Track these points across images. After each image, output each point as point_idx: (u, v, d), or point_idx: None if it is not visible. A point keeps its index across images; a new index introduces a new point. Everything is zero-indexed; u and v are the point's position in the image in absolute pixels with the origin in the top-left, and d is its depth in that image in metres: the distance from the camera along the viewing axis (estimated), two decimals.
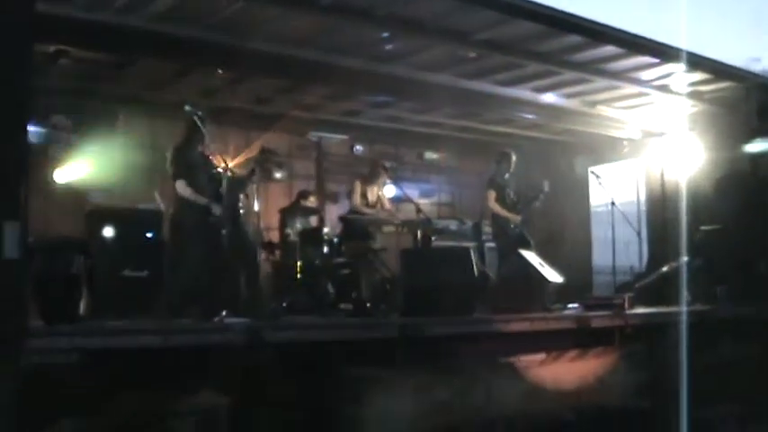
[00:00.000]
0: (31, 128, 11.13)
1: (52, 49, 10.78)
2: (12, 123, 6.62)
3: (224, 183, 9.63)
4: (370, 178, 12.57)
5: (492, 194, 12.82)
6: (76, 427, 6.56)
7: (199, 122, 9.41)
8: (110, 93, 13.00)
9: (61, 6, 9.40)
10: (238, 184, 10.07)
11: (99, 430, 6.66)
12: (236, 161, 12.10)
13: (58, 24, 9.49)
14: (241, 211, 10.09)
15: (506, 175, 13.01)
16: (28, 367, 6.26)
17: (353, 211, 12.43)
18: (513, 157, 13.03)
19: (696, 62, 12.17)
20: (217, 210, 9.29)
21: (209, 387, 7.29)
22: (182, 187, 9.36)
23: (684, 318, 10.13)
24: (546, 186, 13.04)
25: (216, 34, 10.49)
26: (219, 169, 9.69)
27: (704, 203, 13.86)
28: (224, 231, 9.46)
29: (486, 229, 13.97)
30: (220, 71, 12.12)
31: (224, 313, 8.72)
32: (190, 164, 9.41)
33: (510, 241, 12.56)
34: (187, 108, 9.57)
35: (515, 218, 12.75)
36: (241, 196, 10.17)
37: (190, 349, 7.19)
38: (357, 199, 12.38)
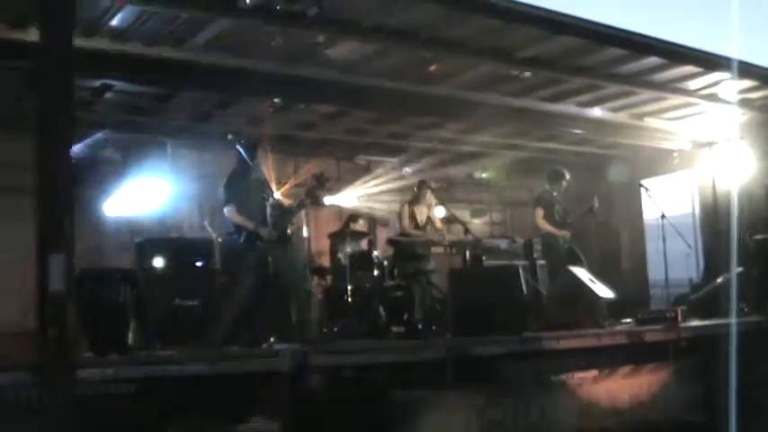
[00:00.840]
0: (79, 160, 11.37)
1: (98, 83, 10.92)
2: (57, 156, 6.70)
3: (274, 209, 9.61)
4: (416, 199, 12.54)
5: (540, 212, 12.73)
6: None
7: (242, 150, 9.42)
8: (157, 124, 13.12)
9: (104, 41, 9.52)
10: (288, 210, 10.10)
11: None
12: (286, 187, 12.18)
13: (102, 58, 9.62)
14: (290, 234, 10.05)
15: (555, 193, 12.92)
16: (78, 397, 6.31)
17: (403, 233, 12.40)
18: (567, 175, 12.93)
19: (744, 69, 12.01)
20: (265, 233, 9.27)
21: (259, 413, 7.29)
22: (231, 212, 9.37)
23: (738, 329, 9.97)
24: (596, 202, 12.95)
25: (260, 62, 10.57)
26: (271, 196, 9.69)
27: (758, 212, 13.69)
28: (273, 257, 9.43)
29: (538, 246, 13.90)
30: (276, 101, 12.16)
31: (272, 339, 8.72)
32: (240, 190, 9.42)
33: (560, 258, 12.45)
34: (230, 137, 9.63)
35: (564, 234, 12.63)
36: (292, 220, 10.17)
37: (238, 376, 7.20)
38: (406, 221, 12.35)
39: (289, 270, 9.71)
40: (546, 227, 12.67)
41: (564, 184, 12.92)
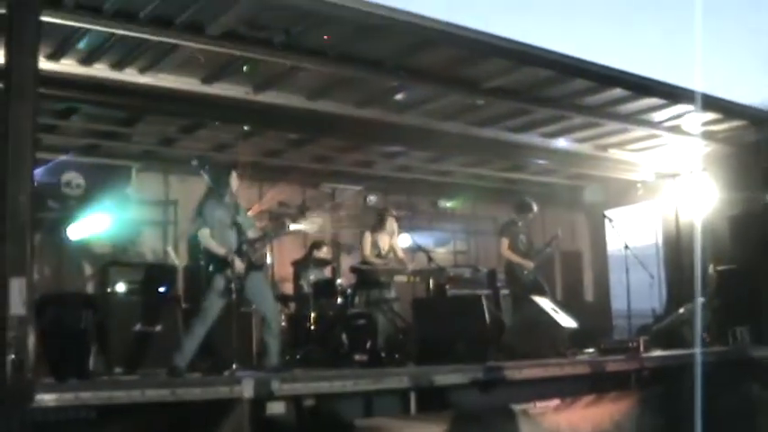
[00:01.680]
0: (42, 184, 11.30)
1: (63, 106, 10.88)
2: (19, 180, 6.65)
3: (244, 235, 9.58)
4: (378, 227, 12.53)
5: (505, 242, 12.76)
6: None
7: (207, 176, 9.39)
8: (122, 148, 13.08)
9: (70, 64, 9.50)
10: (266, 236, 10.09)
11: None
12: (251, 213, 12.13)
13: (67, 82, 9.59)
14: (260, 262, 10.00)
15: (520, 223, 12.96)
16: (37, 423, 6.25)
17: (364, 261, 12.40)
18: (534, 207, 12.96)
19: (707, 102, 12.11)
20: (237, 262, 9.23)
21: None
22: (205, 237, 9.30)
23: (701, 359, 10.01)
24: (559, 233, 13.00)
25: (226, 89, 10.57)
26: (244, 222, 9.65)
27: (720, 243, 13.78)
28: (241, 285, 9.37)
29: (501, 275, 13.94)
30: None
31: (234, 366, 8.68)
32: (213, 215, 9.36)
33: (524, 288, 12.48)
34: (194, 162, 9.59)
35: (528, 264, 12.66)
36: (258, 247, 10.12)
37: (200, 403, 7.16)
38: (368, 249, 12.34)
39: (258, 298, 9.67)
40: (510, 256, 12.69)
41: (531, 215, 12.97)
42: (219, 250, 9.20)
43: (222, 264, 9.18)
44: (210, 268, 9.26)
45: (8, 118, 6.75)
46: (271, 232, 10.22)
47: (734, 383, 10.97)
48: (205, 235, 9.28)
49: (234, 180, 9.59)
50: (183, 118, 11.99)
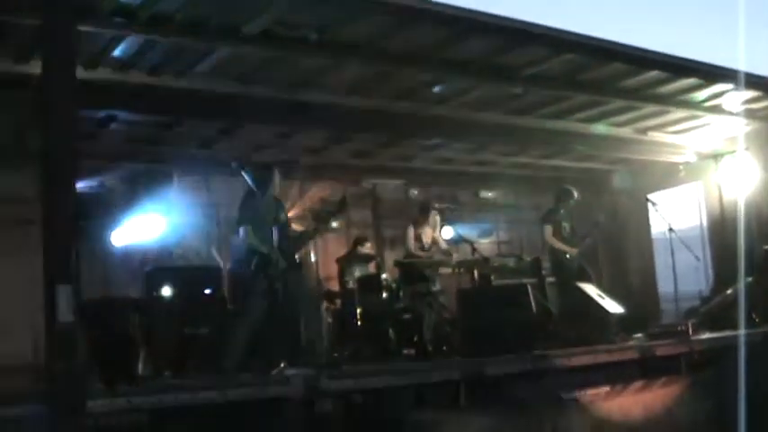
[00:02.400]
0: (85, 192, 11.38)
1: (102, 114, 10.95)
2: (61, 188, 6.71)
3: (285, 233, 9.61)
4: (421, 221, 12.54)
5: (549, 229, 12.71)
6: None
7: (247, 177, 9.42)
8: (162, 153, 13.14)
9: (108, 72, 9.55)
10: (304, 235, 10.15)
11: None
12: (292, 212, 12.17)
13: (105, 89, 9.66)
14: (299, 260, 10.03)
15: (562, 210, 12.91)
16: (89, 429, 6.31)
17: (408, 255, 12.39)
18: (575, 194, 12.92)
19: (747, 80, 11.97)
20: (279, 259, 9.25)
21: None
22: (245, 233, 9.29)
23: (749, 340, 9.93)
24: (601, 219, 12.93)
25: (263, 89, 10.59)
26: (285, 221, 9.69)
27: (765, 222, 13.66)
28: (283, 282, 9.39)
29: (546, 264, 13.88)
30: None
31: (283, 365, 8.69)
32: (254, 214, 9.39)
33: (569, 275, 12.43)
34: (234, 165, 9.63)
35: (572, 251, 12.61)
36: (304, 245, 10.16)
37: (250, 403, 7.19)
38: (411, 243, 12.35)
39: (299, 295, 9.70)
40: (555, 243, 12.64)
41: (572, 202, 12.92)
42: (261, 248, 9.22)
43: (264, 262, 9.20)
44: (252, 267, 9.29)
45: (48, 128, 6.82)
46: (310, 231, 10.28)
47: None
48: (246, 232, 9.30)
49: (276, 179, 9.63)
50: (220, 120, 12.01)
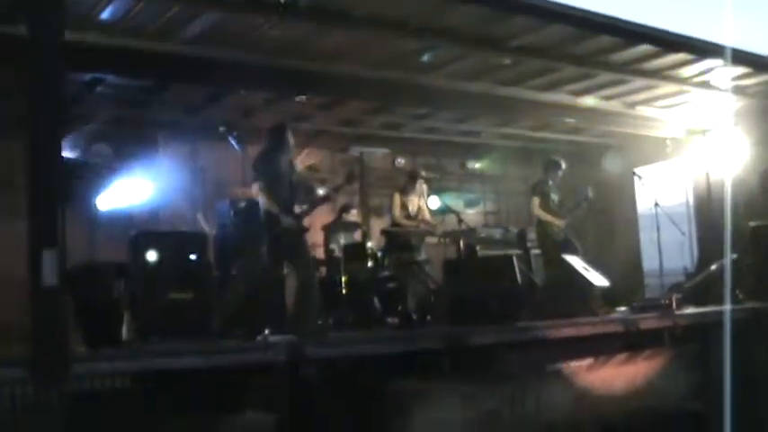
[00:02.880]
0: (71, 155, 11.32)
1: (88, 77, 10.88)
2: (47, 152, 6.67)
3: (297, 193, 9.63)
4: (407, 189, 12.53)
5: (536, 200, 12.71)
6: None
7: (233, 142, 9.39)
8: (149, 118, 13.09)
9: (95, 34, 9.48)
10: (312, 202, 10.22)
11: None
12: None
13: (92, 52, 9.58)
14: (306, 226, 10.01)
15: (551, 182, 12.90)
16: (73, 392, 6.31)
17: (394, 223, 12.39)
18: (563, 164, 12.92)
19: (736, 56, 11.96)
20: (288, 222, 9.24)
21: (254, 405, 7.29)
22: (258, 191, 9.31)
23: (734, 316, 9.97)
24: (590, 192, 12.94)
25: (250, 54, 10.53)
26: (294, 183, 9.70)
27: (752, 199, 13.68)
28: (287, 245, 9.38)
29: (532, 236, 13.90)
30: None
31: (267, 331, 8.69)
32: (270, 172, 9.36)
33: (555, 247, 12.44)
34: (221, 129, 9.59)
35: (560, 223, 12.61)
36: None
37: (234, 368, 7.20)
38: (397, 211, 12.35)
39: (298, 262, 9.70)
40: (542, 215, 12.64)
41: (560, 173, 12.92)
42: (272, 207, 9.20)
43: (273, 221, 9.19)
44: (260, 224, 9.29)
45: (34, 90, 6.77)
46: (318, 199, 10.32)
47: (766, 339, 10.94)
48: (259, 189, 9.28)
49: (290, 138, 9.63)
50: (207, 85, 11.96)
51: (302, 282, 9.58)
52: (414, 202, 12.45)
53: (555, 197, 12.84)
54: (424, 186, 12.69)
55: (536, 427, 9.06)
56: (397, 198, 12.48)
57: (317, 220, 13.55)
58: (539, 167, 13.26)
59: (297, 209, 9.49)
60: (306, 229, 9.68)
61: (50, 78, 6.78)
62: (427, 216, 12.60)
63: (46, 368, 6.21)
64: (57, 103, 6.82)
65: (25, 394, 6.13)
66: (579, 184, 13.33)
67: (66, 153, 11.05)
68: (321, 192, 10.69)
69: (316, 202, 10.35)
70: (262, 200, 9.28)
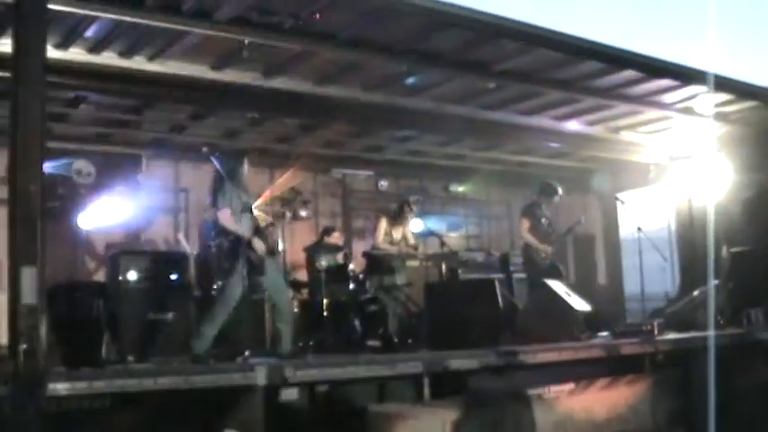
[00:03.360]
0: (53, 173, 11.29)
1: (72, 95, 10.86)
2: (29, 169, 6.64)
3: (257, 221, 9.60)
4: (396, 217, 12.52)
5: (526, 223, 12.70)
6: None
7: (217, 163, 9.35)
8: (132, 136, 13.07)
9: (79, 53, 9.46)
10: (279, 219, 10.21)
11: None
12: (261, 200, 12.12)
13: (76, 70, 9.56)
14: (279, 249, 10.00)
15: (544, 205, 12.91)
16: (50, 412, 6.25)
17: (376, 247, 12.38)
18: (559, 191, 12.92)
19: (719, 83, 12.00)
20: (259, 246, 9.21)
21: (234, 427, 7.24)
22: (225, 217, 9.21)
23: (715, 342, 9.96)
24: (582, 220, 12.94)
25: (235, 75, 10.52)
26: (254, 208, 9.68)
27: (734, 225, 13.70)
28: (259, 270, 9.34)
29: (515, 259, 13.89)
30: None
31: (247, 353, 8.66)
32: (229, 199, 9.31)
33: (540, 271, 12.43)
34: (204, 150, 9.58)
35: (547, 249, 12.60)
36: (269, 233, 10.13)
37: (213, 390, 7.15)
38: (381, 236, 12.35)
39: (271, 285, 9.68)
40: (530, 239, 12.63)
41: (555, 198, 12.94)
42: (241, 231, 9.17)
43: (241, 247, 9.16)
44: (228, 251, 9.24)
45: (17, 107, 6.74)
46: (280, 219, 10.28)
47: (748, 366, 10.93)
48: (226, 216, 9.21)
49: (245, 166, 9.60)
50: (192, 105, 11.94)
51: (276, 305, 9.59)
52: (399, 230, 12.45)
53: (545, 221, 12.84)
54: (411, 215, 12.69)
55: None
56: (383, 223, 12.47)
57: (299, 242, 13.56)
58: (522, 191, 13.29)
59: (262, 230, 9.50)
60: (272, 253, 9.65)
61: (33, 95, 6.75)
62: (411, 241, 12.58)
63: (23, 387, 6.16)
64: (39, 121, 6.80)
65: (2, 412, 6.06)
66: (562, 208, 13.34)
67: (48, 171, 11.03)
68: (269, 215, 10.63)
69: (269, 227, 10.28)
70: (230, 225, 9.23)
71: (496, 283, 10.76)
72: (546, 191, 12.96)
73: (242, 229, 9.18)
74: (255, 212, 9.75)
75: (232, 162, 9.53)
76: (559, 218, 13.25)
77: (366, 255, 12.69)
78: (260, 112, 12.30)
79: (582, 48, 10.69)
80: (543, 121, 13.38)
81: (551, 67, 11.16)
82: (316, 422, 7.89)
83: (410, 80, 11.18)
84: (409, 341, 11.10)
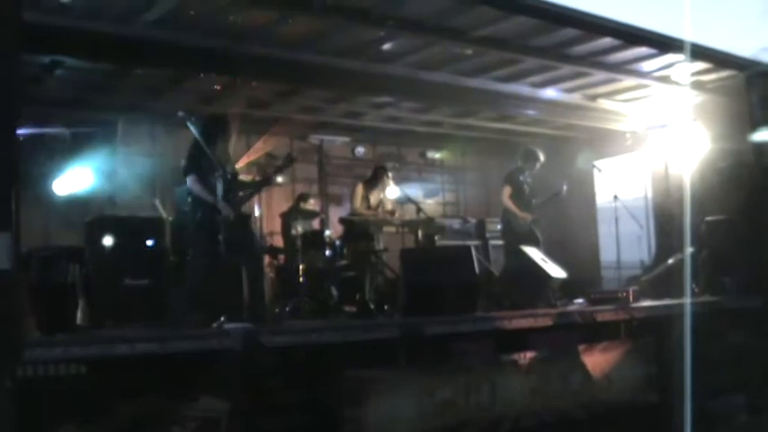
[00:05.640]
0: (27, 138, 11.21)
1: (47, 59, 10.76)
2: (3, 134, 6.58)
3: (233, 186, 9.58)
4: (372, 183, 12.48)
5: (507, 190, 12.70)
6: None
7: (193, 128, 9.31)
8: (108, 102, 12.99)
9: (55, 17, 9.37)
10: (253, 185, 10.17)
11: None
12: (238, 165, 12.11)
13: (51, 35, 9.47)
14: (247, 213, 10.01)
15: (526, 172, 12.91)
16: (25, 377, 6.24)
17: (354, 213, 12.36)
18: (541, 157, 12.92)
19: (697, 52, 12.00)
20: (226, 210, 9.21)
21: (209, 392, 7.25)
22: (193, 183, 9.24)
23: (690, 309, 10.02)
24: (564, 187, 12.97)
25: (212, 40, 10.45)
26: (231, 173, 9.66)
27: (709, 194, 13.74)
28: (229, 235, 9.34)
29: (491, 226, 13.93)
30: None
31: (223, 318, 8.65)
32: (202, 164, 9.32)
33: (518, 239, 12.44)
34: (180, 114, 9.51)
35: (526, 216, 12.61)
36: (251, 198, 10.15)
37: (189, 355, 7.15)
38: (358, 201, 12.32)
39: (244, 249, 9.68)
40: (510, 206, 12.64)
41: (537, 164, 12.93)
42: (207, 197, 9.17)
43: (210, 212, 9.16)
44: (198, 216, 9.25)
45: None
46: (257, 183, 10.27)
47: (721, 333, 11.03)
48: (193, 181, 9.23)
49: (228, 132, 9.60)
50: (168, 70, 11.87)
51: (249, 270, 9.60)
52: (375, 195, 12.41)
53: (527, 188, 12.84)
54: (388, 181, 12.66)
55: (491, 418, 9.08)
56: (359, 189, 12.45)
57: (276, 208, 13.54)
58: (499, 159, 13.29)
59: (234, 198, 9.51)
60: (247, 218, 9.66)
61: (7, 60, 6.69)
62: (388, 207, 12.56)
63: None
64: (13, 85, 6.74)
65: None
66: (540, 175, 13.35)
67: (23, 135, 10.95)
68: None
69: (257, 187, 10.31)
70: (197, 191, 9.24)
71: (473, 249, 10.76)
72: (529, 157, 12.96)
73: (210, 195, 9.17)
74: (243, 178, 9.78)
75: (209, 128, 9.50)
76: (537, 185, 13.23)
77: (342, 221, 12.68)
78: (236, 77, 12.22)
79: (559, 15, 10.66)
80: (520, 88, 13.36)
81: (529, 34, 11.14)
82: (292, 387, 7.90)
83: (387, 46, 11.15)
84: (385, 307, 11.11)
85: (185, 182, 9.37)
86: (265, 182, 10.36)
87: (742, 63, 13.36)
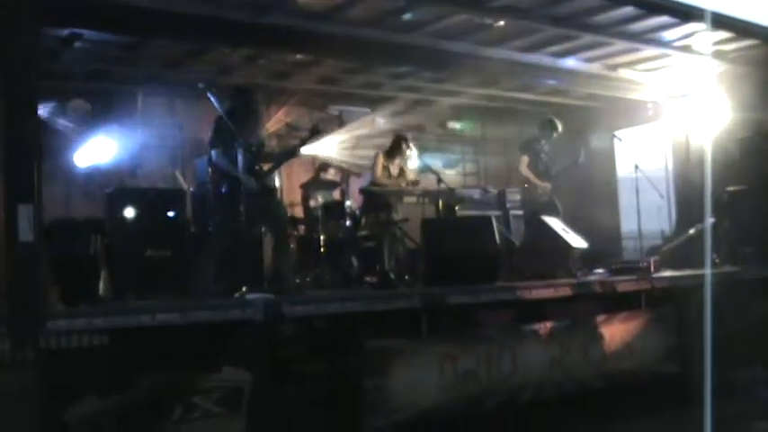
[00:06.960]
0: (49, 112, 11.25)
1: (66, 32, 10.77)
2: (23, 107, 6.60)
3: (259, 157, 9.62)
4: (392, 152, 12.44)
5: (525, 159, 12.70)
6: (101, 405, 6.57)
7: (213, 99, 9.31)
8: (127, 73, 13.00)
9: None
10: (279, 156, 10.19)
11: (122, 408, 6.68)
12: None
13: (69, 7, 9.46)
14: (273, 185, 10.03)
15: (543, 141, 12.88)
16: (48, 349, 6.28)
17: (375, 183, 12.33)
18: (559, 126, 12.88)
19: (718, 20, 11.91)
20: (250, 183, 9.24)
21: (231, 362, 7.28)
22: (217, 156, 9.35)
23: (710, 279, 10.00)
24: (582, 156, 12.92)
25: (231, 11, 10.42)
26: (259, 145, 9.69)
27: (730, 164, 13.67)
28: (253, 206, 9.36)
29: (511, 196, 13.90)
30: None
31: (244, 289, 8.68)
32: (225, 137, 9.35)
33: (538, 209, 12.44)
34: (201, 86, 9.51)
35: (546, 186, 12.60)
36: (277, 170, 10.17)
37: (210, 325, 7.18)
38: (379, 171, 12.27)
39: (269, 220, 9.73)
40: (528, 175, 12.64)
41: (554, 134, 12.91)
42: (232, 171, 9.20)
43: (234, 185, 9.18)
44: (223, 189, 9.28)
45: (12, 44, 6.69)
46: (282, 155, 10.29)
47: (743, 303, 11.00)
48: (218, 154, 9.28)
49: (251, 101, 9.62)
50: (187, 41, 11.86)
51: (275, 241, 9.62)
52: (396, 164, 12.37)
53: (545, 157, 12.82)
54: (409, 151, 12.61)
55: (512, 387, 9.10)
56: (380, 158, 12.38)
57: (296, 179, 13.54)
58: (519, 129, 13.25)
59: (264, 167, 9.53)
60: (273, 189, 9.68)
61: (26, 33, 6.70)
62: (410, 176, 12.52)
63: (22, 324, 6.18)
64: (33, 59, 6.75)
65: (1, 350, 6.09)
66: (560, 145, 13.32)
67: (43, 109, 11.00)
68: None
69: (281, 158, 10.31)
70: (221, 164, 9.27)
71: (493, 219, 10.74)
72: (546, 127, 12.95)
73: (234, 168, 9.19)
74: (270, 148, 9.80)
75: (233, 100, 9.54)
76: (557, 155, 13.20)
77: (362, 191, 12.65)
78: (256, 48, 12.21)
79: None
80: (541, 57, 13.27)
81: (549, 3, 11.09)
82: (313, 357, 7.94)
83: (408, 16, 11.11)
84: (406, 277, 11.10)
85: (206, 153, 9.41)
86: (290, 153, 10.37)
87: (764, 32, 13.23)
